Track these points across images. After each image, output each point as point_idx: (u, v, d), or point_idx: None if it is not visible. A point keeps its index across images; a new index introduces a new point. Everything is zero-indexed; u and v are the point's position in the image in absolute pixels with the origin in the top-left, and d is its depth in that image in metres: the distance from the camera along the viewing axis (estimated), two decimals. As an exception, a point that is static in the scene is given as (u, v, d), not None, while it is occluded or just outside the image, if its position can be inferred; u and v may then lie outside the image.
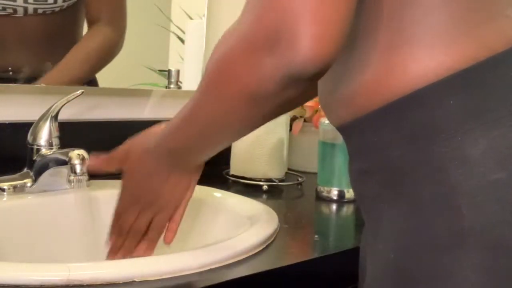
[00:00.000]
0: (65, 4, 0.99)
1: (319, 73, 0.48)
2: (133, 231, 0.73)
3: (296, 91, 0.50)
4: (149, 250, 0.74)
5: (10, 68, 0.98)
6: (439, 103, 0.49)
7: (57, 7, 0.98)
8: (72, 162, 0.84)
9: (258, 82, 0.49)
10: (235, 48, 0.51)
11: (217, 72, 0.54)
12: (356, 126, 0.55)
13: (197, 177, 0.72)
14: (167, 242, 0.75)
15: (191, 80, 1.21)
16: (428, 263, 0.49)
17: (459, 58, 0.49)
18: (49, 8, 0.97)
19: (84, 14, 1.05)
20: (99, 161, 0.77)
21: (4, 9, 0.94)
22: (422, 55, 0.50)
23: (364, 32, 0.53)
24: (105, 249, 0.76)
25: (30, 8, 0.95)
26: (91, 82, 1.08)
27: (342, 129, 0.58)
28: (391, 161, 0.52)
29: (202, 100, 0.58)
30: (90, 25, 1.06)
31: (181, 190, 0.71)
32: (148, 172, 0.69)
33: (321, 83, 0.60)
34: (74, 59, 1.04)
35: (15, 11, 0.95)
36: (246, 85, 0.51)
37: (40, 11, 0.96)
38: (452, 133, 0.49)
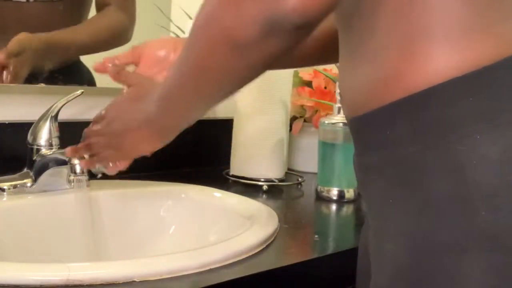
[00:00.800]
0: None
1: (304, 26, 0.47)
2: (88, 144, 0.76)
3: (278, 44, 0.49)
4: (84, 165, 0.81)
5: None
6: (456, 101, 0.48)
7: None
8: (72, 162, 0.84)
9: (240, 24, 0.48)
10: None
11: (203, 14, 0.53)
12: (368, 119, 0.54)
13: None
14: (110, 172, 0.77)
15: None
16: (444, 265, 0.48)
17: (478, 56, 0.48)
18: None
19: (91, 1, 1.06)
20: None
21: None
22: (441, 51, 0.49)
23: (384, 23, 0.51)
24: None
25: None
26: (90, 81, 1.08)
27: (354, 120, 0.57)
28: (404, 157, 0.50)
29: (189, 45, 0.56)
30: (99, 9, 1.06)
31: (138, 147, 0.71)
32: (129, 107, 0.71)
33: (341, 70, 0.59)
34: (83, 28, 1.04)
35: None
36: (228, 27, 0.49)
37: None
38: (469, 132, 0.47)
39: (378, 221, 0.56)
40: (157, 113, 0.65)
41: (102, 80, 1.09)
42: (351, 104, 0.57)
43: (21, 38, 0.96)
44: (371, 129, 0.54)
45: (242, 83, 0.57)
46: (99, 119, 0.76)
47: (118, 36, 1.09)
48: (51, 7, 0.99)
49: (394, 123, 0.51)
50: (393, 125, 0.51)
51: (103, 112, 0.76)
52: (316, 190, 1.07)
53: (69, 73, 1.06)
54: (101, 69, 0.83)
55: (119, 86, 1.14)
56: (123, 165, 0.76)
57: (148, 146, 0.70)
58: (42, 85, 1.00)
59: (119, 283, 0.59)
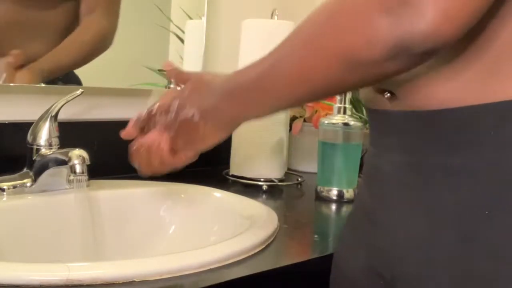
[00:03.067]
0: None
1: (431, 52, 0.45)
2: (151, 140, 0.69)
3: (399, 66, 0.46)
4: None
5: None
6: None
7: None
8: (71, 162, 0.84)
9: (368, 43, 0.45)
10: (356, 2, 0.46)
11: (323, 23, 0.49)
12: (462, 113, 0.49)
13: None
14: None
15: (191, 80, 1.21)
16: None
17: None
18: None
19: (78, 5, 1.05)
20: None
21: None
22: None
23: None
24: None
25: None
26: (73, 79, 1.08)
27: (432, 113, 0.51)
28: (508, 161, 0.47)
29: (293, 48, 0.53)
30: (83, 17, 1.05)
31: (205, 139, 0.66)
32: (195, 99, 0.65)
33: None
34: (69, 47, 1.03)
35: None
36: (353, 43, 0.46)
37: None
38: None
39: (466, 226, 0.50)
40: (225, 105, 0.61)
41: (103, 80, 1.10)
42: (434, 95, 0.51)
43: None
44: (465, 127, 0.50)
45: (337, 93, 0.54)
46: (160, 109, 0.69)
47: (100, 46, 1.09)
48: (41, 8, 0.99)
49: (503, 123, 0.48)
50: (503, 126, 0.48)
51: (161, 104, 0.69)
52: (316, 190, 1.07)
53: (69, 73, 1.06)
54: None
55: (119, 86, 1.15)
56: (189, 157, 0.69)
57: (211, 138, 0.65)
58: (42, 85, 1.00)
59: (119, 283, 0.59)
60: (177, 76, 0.73)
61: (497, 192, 0.48)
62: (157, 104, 0.70)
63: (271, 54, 0.57)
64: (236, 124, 0.64)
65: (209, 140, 0.65)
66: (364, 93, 0.62)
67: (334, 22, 0.48)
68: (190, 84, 0.67)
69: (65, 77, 1.06)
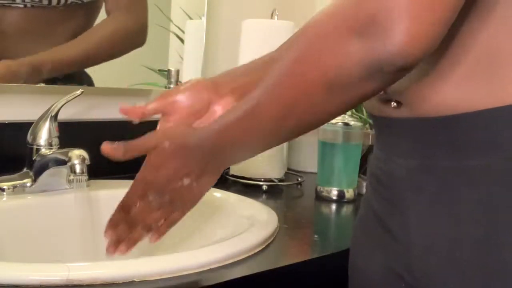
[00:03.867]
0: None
1: (404, 69, 0.46)
2: (145, 225, 0.67)
3: (376, 85, 0.48)
4: (155, 240, 0.69)
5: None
6: None
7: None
8: (71, 162, 0.84)
9: (343, 66, 0.47)
10: (327, 27, 0.48)
11: (303, 50, 0.51)
12: (477, 117, 0.51)
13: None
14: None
15: (191, 80, 1.21)
16: None
17: None
18: None
19: (93, 22, 1.05)
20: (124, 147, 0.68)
21: None
22: None
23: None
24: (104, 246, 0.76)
25: None
26: (90, 83, 1.08)
27: (442, 119, 0.52)
28: None
29: (275, 79, 0.54)
30: (108, 13, 1.05)
31: (203, 193, 0.66)
32: (179, 169, 0.63)
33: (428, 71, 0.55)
34: (78, 43, 1.03)
35: (13, 0, 0.95)
36: (328, 67, 0.48)
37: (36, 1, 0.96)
38: None
39: (489, 223, 0.51)
40: (216, 151, 0.61)
41: (103, 80, 1.10)
42: (454, 100, 0.52)
43: (1, 67, 0.94)
44: (478, 130, 0.51)
45: (325, 122, 0.55)
46: (132, 197, 0.67)
47: (126, 41, 1.08)
48: (50, 13, 0.99)
49: None
50: None
51: (132, 191, 0.67)
52: (316, 190, 1.07)
53: (82, 74, 1.06)
54: (127, 113, 0.74)
55: (120, 86, 1.14)
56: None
57: (207, 186, 0.65)
58: (42, 85, 1.00)
59: (119, 283, 0.59)
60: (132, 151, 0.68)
61: None
62: (128, 194, 0.68)
63: (256, 91, 0.57)
64: (230, 164, 0.64)
65: (203, 194, 0.66)
66: (368, 102, 0.62)
67: (310, 49, 0.50)
68: (164, 157, 0.64)
69: (78, 78, 1.06)
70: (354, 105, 0.53)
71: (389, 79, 0.48)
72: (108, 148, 0.64)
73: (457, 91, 0.52)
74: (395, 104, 0.56)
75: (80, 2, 1.01)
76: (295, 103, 0.52)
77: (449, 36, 0.50)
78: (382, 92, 0.57)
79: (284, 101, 0.53)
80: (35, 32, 1.00)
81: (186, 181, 0.63)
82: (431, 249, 0.54)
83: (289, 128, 0.55)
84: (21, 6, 0.96)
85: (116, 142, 0.65)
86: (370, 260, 0.63)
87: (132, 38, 1.08)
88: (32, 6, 0.97)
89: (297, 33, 0.54)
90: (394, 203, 0.58)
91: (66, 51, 1.02)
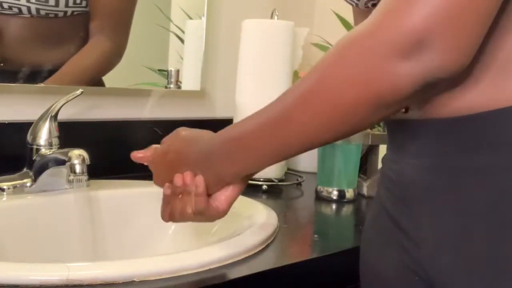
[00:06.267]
0: (69, 10, 0.99)
1: (449, 80, 0.50)
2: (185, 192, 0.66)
3: (419, 97, 0.51)
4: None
5: (19, 67, 0.98)
6: None
7: (60, 11, 0.98)
8: (71, 162, 0.84)
9: (394, 85, 0.49)
10: (370, 50, 0.49)
11: (341, 72, 0.52)
12: (486, 118, 0.52)
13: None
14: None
15: (190, 80, 1.21)
16: None
17: None
18: (51, 10, 0.97)
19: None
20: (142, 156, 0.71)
21: (10, 8, 0.95)
22: None
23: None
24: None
25: (33, 8, 0.95)
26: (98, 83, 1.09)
27: (451, 120, 0.54)
28: None
29: (306, 100, 0.54)
30: (92, 36, 1.06)
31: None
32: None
33: None
34: (72, 69, 1.04)
35: (20, 10, 0.95)
36: (379, 88, 0.49)
37: (42, 12, 0.97)
38: None
39: (499, 219, 0.52)
40: (223, 162, 0.62)
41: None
42: (459, 102, 0.54)
43: None
44: (490, 129, 0.52)
45: (357, 133, 0.56)
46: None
47: (108, 66, 1.10)
48: (55, 22, 1.00)
49: None
50: None
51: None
52: (316, 190, 1.07)
53: None
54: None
55: (119, 86, 1.14)
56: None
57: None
58: (42, 85, 1.00)
59: (119, 283, 0.59)
60: (150, 157, 0.70)
61: None
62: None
63: (275, 105, 0.57)
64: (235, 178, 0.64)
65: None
66: None
67: (354, 71, 0.51)
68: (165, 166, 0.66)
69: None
70: (393, 115, 0.55)
71: (433, 90, 0.51)
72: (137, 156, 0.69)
73: (466, 93, 0.53)
74: (403, 109, 0.58)
75: (84, 11, 1.01)
76: (337, 122, 0.53)
77: None
78: None
79: (320, 119, 0.54)
80: (39, 40, 1.00)
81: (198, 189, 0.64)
82: (442, 245, 0.55)
83: (320, 141, 0.57)
84: (28, 16, 0.96)
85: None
86: (383, 256, 0.64)
87: (112, 62, 1.10)
88: (38, 16, 0.97)
89: (329, 54, 0.54)
90: (406, 202, 0.59)
91: (66, 78, 1.03)
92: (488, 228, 0.52)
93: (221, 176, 0.63)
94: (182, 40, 1.22)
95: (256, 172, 0.65)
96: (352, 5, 0.61)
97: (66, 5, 0.99)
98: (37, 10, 0.96)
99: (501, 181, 0.51)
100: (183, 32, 1.21)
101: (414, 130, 0.58)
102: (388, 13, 0.48)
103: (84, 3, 1.02)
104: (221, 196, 0.65)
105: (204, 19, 1.21)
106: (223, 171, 0.63)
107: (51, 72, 1.01)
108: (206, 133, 0.66)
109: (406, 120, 0.59)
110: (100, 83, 1.09)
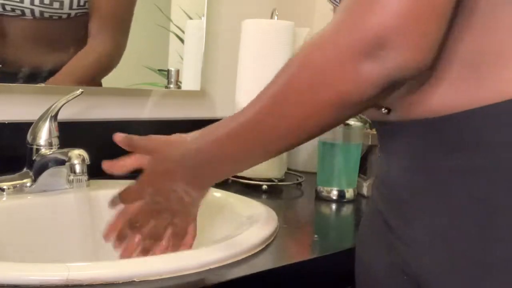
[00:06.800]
0: (73, 12, 0.99)
1: (412, 78, 0.50)
2: (153, 234, 0.72)
3: (383, 97, 0.52)
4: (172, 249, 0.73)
5: (20, 68, 0.98)
6: None
7: (64, 13, 0.98)
8: (71, 162, 0.84)
9: (358, 86, 0.50)
10: (333, 51, 0.51)
11: (306, 75, 0.53)
12: (465, 118, 0.52)
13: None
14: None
15: (190, 80, 1.21)
16: None
17: None
18: (55, 13, 0.97)
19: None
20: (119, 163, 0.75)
21: (13, 10, 0.95)
22: None
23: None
24: (111, 250, 0.76)
25: (37, 11, 0.95)
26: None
27: (431, 121, 0.55)
28: None
29: (275, 104, 0.57)
30: (91, 37, 1.06)
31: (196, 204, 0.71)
32: (170, 181, 0.69)
33: None
34: (72, 69, 1.04)
35: (23, 12, 0.95)
36: (342, 89, 0.51)
37: (46, 15, 0.97)
38: None
39: (482, 219, 0.52)
40: (202, 163, 0.65)
41: (103, 80, 1.09)
42: (433, 104, 0.55)
43: None
44: (466, 129, 0.53)
45: (325, 132, 0.58)
46: (135, 209, 0.73)
47: (107, 68, 1.10)
48: (57, 23, 1.00)
49: (505, 123, 0.51)
50: (505, 125, 0.51)
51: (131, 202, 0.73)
52: (316, 190, 1.07)
53: None
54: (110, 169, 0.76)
55: (119, 86, 1.14)
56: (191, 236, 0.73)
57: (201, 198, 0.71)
58: (42, 85, 1.00)
59: (119, 283, 0.59)
60: (130, 144, 0.73)
61: (506, 188, 0.50)
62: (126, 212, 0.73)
63: (247, 109, 0.61)
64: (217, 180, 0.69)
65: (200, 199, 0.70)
66: None
67: (317, 73, 0.52)
68: (155, 165, 0.70)
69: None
70: (360, 113, 0.57)
71: (396, 89, 0.52)
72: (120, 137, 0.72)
73: (442, 94, 0.54)
74: (385, 110, 0.59)
75: (87, 12, 1.02)
76: (304, 123, 0.55)
77: None
78: None
79: (291, 121, 0.56)
80: (41, 42, 1.00)
81: (177, 192, 0.68)
82: (428, 246, 0.55)
83: (289, 143, 0.59)
84: (30, 18, 0.96)
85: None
86: (375, 256, 0.64)
87: (112, 62, 1.10)
88: (42, 18, 0.97)
89: (294, 58, 0.56)
90: (394, 202, 0.60)
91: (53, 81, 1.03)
92: (472, 228, 0.52)
93: (202, 183, 0.68)
94: (182, 40, 1.22)
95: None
96: (336, 5, 0.62)
97: (70, 7, 0.99)
98: (41, 12, 0.96)
99: (480, 182, 0.52)
100: (183, 32, 1.21)
101: (395, 131, 0.59)
102: (349, 14, 0.49)
103: (87, 5, 1.02)
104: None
105: (204, 19, 1.21)
106: (204, 176, 0.67)
107: (52, 73, 1.01)
108: (180, 144, 0.68)
109: (388, 122, 0.60)
110: (97, 83, 1.08)
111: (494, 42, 0.52)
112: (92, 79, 1.08)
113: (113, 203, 0.74)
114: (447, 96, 0.53)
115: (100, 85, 1.09)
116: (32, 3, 0.95)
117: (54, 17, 0.97)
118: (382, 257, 0.62)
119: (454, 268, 0.53)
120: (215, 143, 0.63)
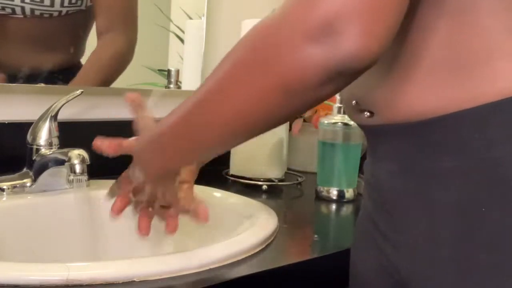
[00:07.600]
0: (64, 9, 0.99)
1: (361, 70, 0.47)
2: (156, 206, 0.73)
3: (333, 88, 0.49)
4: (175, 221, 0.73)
5: (17, 69, 0.98)
6: None
7: (55, 11, 0.98)
8: (71, 162, 0.84)
9: (301, 72, 0.47)
10: (279, 35, 0.48)
11: (252, 58, 0.51)
12: (446, 121, 0.52)
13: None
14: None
15: (190, 80, 1.21)
16: None
17: None
18: (46, 10, 0.97)
19: (93, 23, 1.05)
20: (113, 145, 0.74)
21: (3, 8, 0.94)
22: None
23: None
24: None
25: (27, 9, 0.95)
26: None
27: (414, 124, 0.54)
28: (495, 160, 0.50)
29: (224, 86, 0.54)
30: (100, 35, 1.05)
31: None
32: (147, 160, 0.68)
33: (374, 77, 0.56)
34: (89, 70, 1.04)
35: (13, 11, 0.95)
36: (286, 74, 0.48)
37: (37, 12, 0.96)
38: None
39: (464, 223, 0.52)
40: (154, 157, 0.66)
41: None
42: (409, 108, 0.55)
43: None
44: (449, 132, 0.52)
45: (280, 123, 0.56)
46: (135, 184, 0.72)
47: (122, 65, 1.10)
48: (50, 21, 0.99)
49: (486, 125, 0.50)
50: (485, 127, 0.50)
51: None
52: (316, 190, 1.07)
53: (69, 73, 1.06)
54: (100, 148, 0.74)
55: (119, 86, 1.14)
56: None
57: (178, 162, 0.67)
58: (42, 85, 1.00)
59: (119, 283, 0.59)
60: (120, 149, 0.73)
61: (489, 190, 0.50)
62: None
63: (191, 97, 0.58)
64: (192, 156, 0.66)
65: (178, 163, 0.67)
66: (347, 111, 0.66)
67: (263, 56, 0.50)
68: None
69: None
70: (310, 107, 0.54)
71: (346, 81, 0.49)
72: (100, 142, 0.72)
73: (423, 97, 0.54)
74: (368, 114, 0.59)
75: (79, 9, 1.01)
76: (250, 109, 0.53)
77: (405, 47, 0.53)
78: (354, 103, 0.60)
79: (236, 107, 0.53)
80: (35, 40, 1.00)
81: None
82: (414, 249, 0.55)
83: (238, 132, 0.57)
84: (21, 16, 0.96)
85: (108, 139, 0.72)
86: (366, 258, 0.64)
87: (126, 60, 1.09)
88: (33, 16, 0.97)
89: (241, 42, 0.54)
90: (382, 205, 0.60)
91: (87, 81, 1.04)
92: (455, 231, 0.52)
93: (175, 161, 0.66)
94: (182, 40, 1.22)
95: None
96: None
97: (62, 5, 0.98)
98: (32, 10, 0.95)
99: (465, 185, 0.52)
100: (183, 32, 1.21)
101: (380, 135, 0.59)
102: None
103: (79, 2, 1.01)
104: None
105: (204, 19, 1.21)
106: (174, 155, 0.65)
107: (52, 73, 1.01)
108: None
109: (374, 125, 0.59)
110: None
111: (472, 44, 0.51)
112: (111, 79, 1.08)
113: (111, 192, 0.75)
114: (429, 99, 0.53)
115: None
116: (22, 1, 0.94)
117: (45, 15, 0.97)
118: (372, 260, 0.62)
119: (439, 272, 0.53)
120: (163, 134, 0.63)
